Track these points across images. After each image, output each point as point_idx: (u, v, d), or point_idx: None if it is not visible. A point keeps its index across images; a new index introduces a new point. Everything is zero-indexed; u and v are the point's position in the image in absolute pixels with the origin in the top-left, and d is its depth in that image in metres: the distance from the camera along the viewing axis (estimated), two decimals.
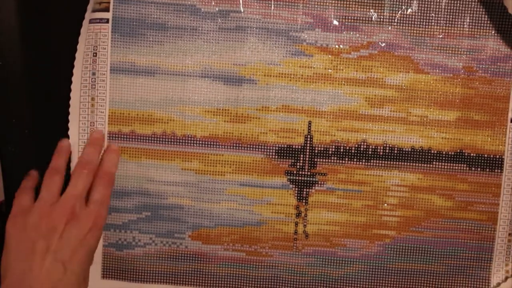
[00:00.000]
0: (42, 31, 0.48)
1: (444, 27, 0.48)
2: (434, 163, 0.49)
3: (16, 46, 0.49)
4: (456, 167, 0.49)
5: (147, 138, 0.49)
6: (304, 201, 0.50)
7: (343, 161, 0.49)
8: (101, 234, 0.48)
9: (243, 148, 0.49)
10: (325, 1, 0.47)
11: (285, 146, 0.49)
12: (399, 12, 0.48)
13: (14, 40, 0.49)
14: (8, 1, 0.48)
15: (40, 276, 0.42)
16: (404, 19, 0.48)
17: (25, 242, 0.43)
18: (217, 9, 0.48)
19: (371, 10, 0.48)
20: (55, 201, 0.45)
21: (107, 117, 0.49)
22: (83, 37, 0.47)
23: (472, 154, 0.49)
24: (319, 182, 0.50)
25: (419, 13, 0.48)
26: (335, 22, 0.48)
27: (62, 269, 0.43)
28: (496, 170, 0.49)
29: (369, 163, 0.49)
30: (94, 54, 0.48)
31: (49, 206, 0.44)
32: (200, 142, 0.49)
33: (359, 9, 0.48)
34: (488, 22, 0.47)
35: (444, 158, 0.49)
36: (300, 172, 0.49)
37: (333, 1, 0.47)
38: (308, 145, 0.49)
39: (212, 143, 0.49)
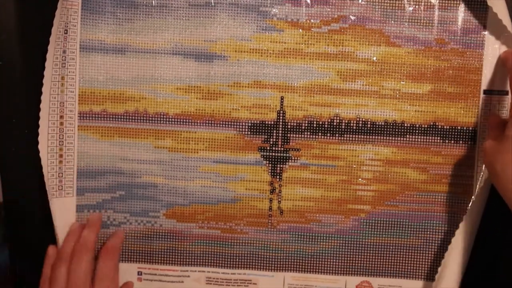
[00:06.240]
0: (41, 30, 0.46)
1: None
2: (407, 136, 0.49)
3: (15, 46, 0.48)
4: (430, 140, 0.49)
5: (119, 116, 0.49)
6: (278, 177, 0.50)
7: (317, 136, 0.49)
8: None
9: (215, 125, 0.49)
10: None
11: (258, 122, 0.49)
12: None
13: (13, 40, 0.48)
14: (7, 2, 0.48)
15: None
16: None
17: None
18: None
19: None
20: None
21: (77, 96, 0.49)
22: (58, 13, 0.47)
23: (445, 127, 0.49)
24: (293, 158, 0.49)
25: None
26: None
27: None
28: (469, 142, 0.49)
29: (342, 138, 0.49)
30: (65, 31, 0.47)
31: None
32: (173, 119, 0.49)
33: None
34: None
35: (417, 131, 0.49)
36: (274, 148, 0.49)
37: None
38: (281, 120, 0.49)
39: (184, 120, 0.49)
